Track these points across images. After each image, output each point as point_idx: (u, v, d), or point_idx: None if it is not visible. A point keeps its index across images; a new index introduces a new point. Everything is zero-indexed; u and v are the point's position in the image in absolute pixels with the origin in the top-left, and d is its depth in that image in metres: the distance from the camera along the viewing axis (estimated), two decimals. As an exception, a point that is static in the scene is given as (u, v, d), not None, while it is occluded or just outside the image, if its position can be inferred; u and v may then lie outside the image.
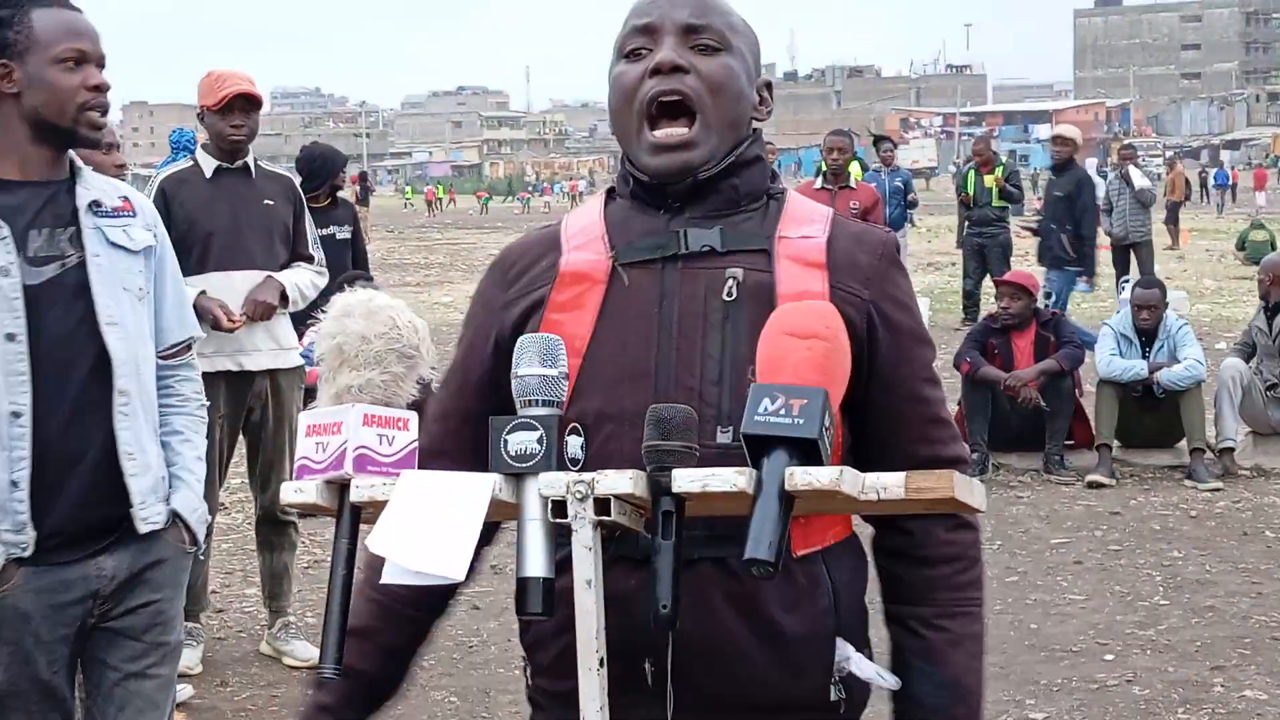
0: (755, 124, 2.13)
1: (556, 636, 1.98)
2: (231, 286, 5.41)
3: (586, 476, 1.75)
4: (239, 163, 5.56)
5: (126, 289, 3.03)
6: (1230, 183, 49.52)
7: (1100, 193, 14.87)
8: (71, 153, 3.05)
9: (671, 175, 2.04)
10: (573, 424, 1.85)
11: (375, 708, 2.16)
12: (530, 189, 79.70)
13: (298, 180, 6.11)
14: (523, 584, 1.78)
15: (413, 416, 1.89)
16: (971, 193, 15.09)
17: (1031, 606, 6.37)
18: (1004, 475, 8.82)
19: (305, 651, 5.65)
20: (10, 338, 2.87)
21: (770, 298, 1.98)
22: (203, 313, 5.21)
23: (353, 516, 1.85)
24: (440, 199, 63.47)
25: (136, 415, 3.01)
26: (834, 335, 1.83)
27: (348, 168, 9.58)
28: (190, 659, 5.34)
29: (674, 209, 2.06)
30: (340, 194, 8.80)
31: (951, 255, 21.84)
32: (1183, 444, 8.80)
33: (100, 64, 3.00)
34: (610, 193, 2.15)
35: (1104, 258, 15.71)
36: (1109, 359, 8.83)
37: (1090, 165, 39.26)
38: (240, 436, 5.67)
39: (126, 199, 3.11)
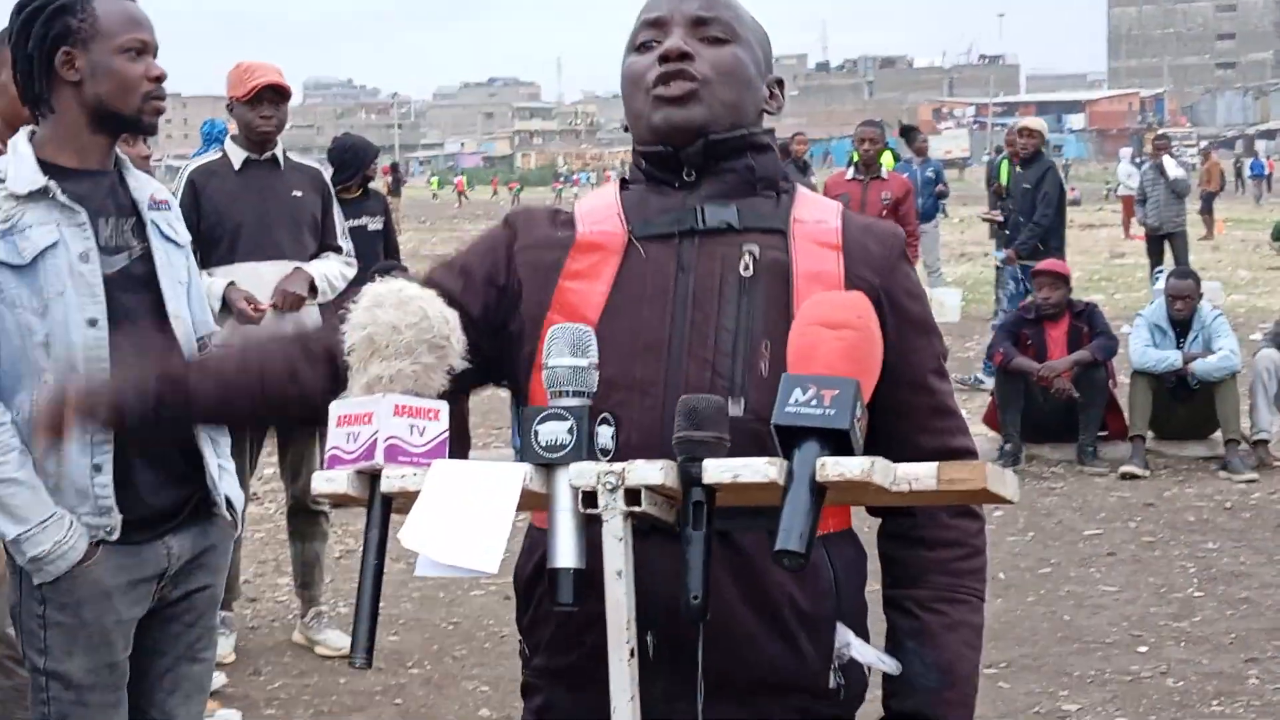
0: (766, 116, 2.14)
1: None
2: (259, 278, 5.42)
3: (617, 467, 1.74)
4: (267, 154, 5.58)
5: (180, 281, 3.07)
6: (1266, 173, 49.06)
7: (1134, 184, 14.74)
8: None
9: (677, 130, 2.03)
10: (603, 414, 1.85)
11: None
12: (562, 179, 79.64)
13: (328, 172, 6.12)
14: (554, 575, 1.78)
15: (444, 407, 1.88)
16: (1005, 183, 15.01)
17: (1064, 598, 6.35)
18: (1037, 466, 8.80)
19: (337, 640, 5.68)
20: (92, 323, 2.89)
21: (787, 275, 2.00)
22: (230, 304, 5.23)
23: (384, 507, 1.85)
24: (465, 193, 63.51)
25: None
26: (865, 325, 1.83)
27: (379, 159, 9.60)
28: (224, 648, 5.36)
29: (689, 185, 2.06)
30: (372, 185, 8.82)
31: (984, 245, 21.75)
32: (1217, 435, 8.75)
33: (156, 54, 3.01)
34: (624, 183, 2.16)
35: (1138, 248, 15.59)
36: (1143, 349, 8.79)
37: (1125, 155, 39.00)
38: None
39: (162, 192, 3.14)
